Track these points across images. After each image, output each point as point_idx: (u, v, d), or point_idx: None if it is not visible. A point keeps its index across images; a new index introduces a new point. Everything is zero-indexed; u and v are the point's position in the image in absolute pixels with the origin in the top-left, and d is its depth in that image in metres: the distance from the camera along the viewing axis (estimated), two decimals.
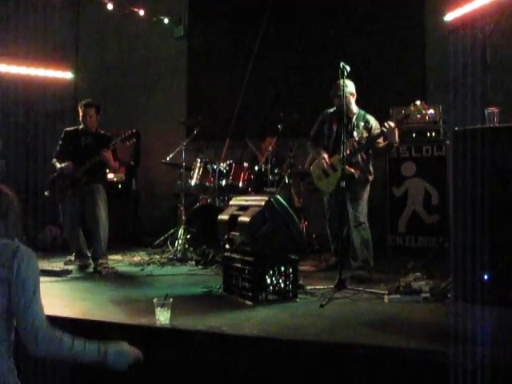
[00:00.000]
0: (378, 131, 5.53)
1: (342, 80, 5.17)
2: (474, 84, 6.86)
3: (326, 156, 5.70)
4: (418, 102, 5.33)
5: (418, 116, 5.38)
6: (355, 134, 5.59)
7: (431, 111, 6.82)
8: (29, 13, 9.53)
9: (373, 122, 5.68)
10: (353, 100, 5.69)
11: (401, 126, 5.58)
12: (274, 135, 7.01)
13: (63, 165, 6.08)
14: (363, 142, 5.54)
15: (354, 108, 5.72)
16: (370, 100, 6.45)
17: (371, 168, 5.72)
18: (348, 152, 5.34)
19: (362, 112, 5.74)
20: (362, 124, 5.64)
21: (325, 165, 5.66)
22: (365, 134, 5.59)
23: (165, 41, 9.41)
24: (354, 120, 5.66)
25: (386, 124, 5.38)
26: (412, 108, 5.34)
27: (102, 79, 9.56)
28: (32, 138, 9.40)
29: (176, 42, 9.37)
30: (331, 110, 5.86)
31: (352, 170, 5.46)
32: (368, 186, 5.68)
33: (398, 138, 5.45)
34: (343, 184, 4.97)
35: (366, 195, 5.64)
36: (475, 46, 6.94)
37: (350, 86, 5.60)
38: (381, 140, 5.56)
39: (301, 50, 8.36)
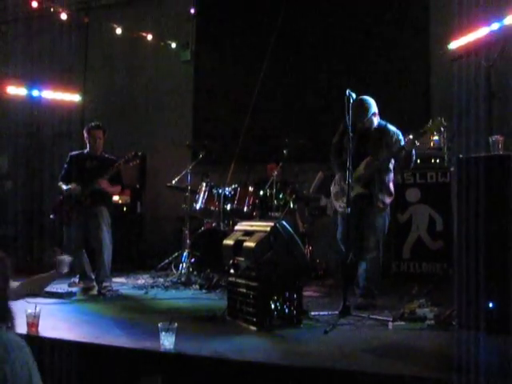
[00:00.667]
0: (398, 145, 5.18)
1: (347, 108, 4.91)
2: (479, 112, 6.91)
3: (343, 174, 5.29)
4: (438, 118, 5.00)
5: (435, 133, 5.14)
6: (374, 150, 5.25)
7: (436, 138, 6.88)
8: (38, 35, 9.69)
9: (393, 135, 5.30)
10: (375, 118, 5.35)
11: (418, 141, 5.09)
12: (279, 160, 7.03)
13: (70, 186, 6.13)
14: (381, 159, 5.22)
15: (375, 121, 5.37)
16: None
17: (391, 188, 5.37)
18: (363, 171, 5.17)
19: (383, 123, 5.39)
20: (381, 139, 5.29)
21: (342, 182, 5.33)
22: (385, 151, 5.24)
23: (172, 65, 9.52)
24: (372, 136, 5.33)
25: (407, 138, 5.07)
26: (429, 125, 5.00)
27: (109, 102, 9.66)
28: (39, 159, 9.48)
29: (183, 66, 9.48)
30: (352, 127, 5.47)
31: (362, 191, 5.21)
32: (386, 211, 5.36)
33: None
34: (348, 210, 4.84)
35: (381, 221, 5.31)
36: (479, 73, 7.00)
37: (372, 106, 5.32)
38: None
39: (306, 75, 8.44)
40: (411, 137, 5.04)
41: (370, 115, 5.26)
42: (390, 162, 5.29)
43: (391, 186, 5.38)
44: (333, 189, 5.59)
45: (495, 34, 6.69)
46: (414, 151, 5.13)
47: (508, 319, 3.92)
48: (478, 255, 4.09)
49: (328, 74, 8.18)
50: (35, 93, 9.19)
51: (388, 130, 5.32)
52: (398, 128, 5.36)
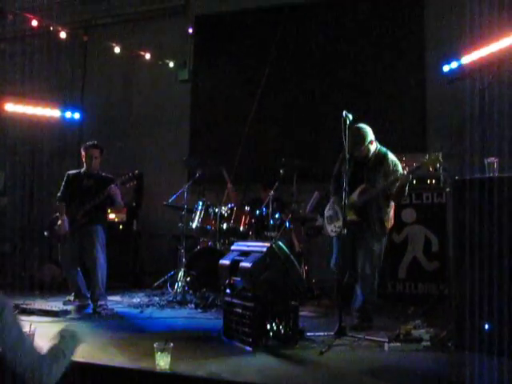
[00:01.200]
0: (394, 175, 5.13)
1: (344, 129, 4.90)
2: (474, 133, 6.96)
3: (337, 198, 5.36)
4: (436, 153, 4.99)
5: (431, 169, 4.96)
6: (371, 177, 5.23)
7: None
8: (37, 53, 9.74)
9: (391, 164, 5.24)
10: (371, 146, 5.31)
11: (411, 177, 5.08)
12: (274, 182, 7.03)
13: (60, 222, 6.11)
14: (379, 188, 5.17)
15: (373, 150, 5.34)
16: None
17: (389, 216, 5.31)
18: (356, 198, 5.16)
19: (384, 151, 5.34)
20: (380, 167, 5.24)
21: (337, 207, 5.35)
22: (383, 179, 5.21)
23: (169, 84, 9.57)
24: (371, 163, 5.29)
25: (400, 176, 5.04)
26: (426, 159, 4.95)
27: (106, 120, 9.69)
28: (36, 176, 9.49)
29: (180, 85, 9.53)
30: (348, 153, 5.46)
31: (354, 218, 5.15)
32: (383, 238, 5.29)
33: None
34: (344, 231, 4.84)
35: (378, 245, 5.22)
36: (474, 95, 7.07)
37: (369, 134, 5.29)
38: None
39: (303, 96, 8.50)
40: (405, 172, 5.02)
41: (366, 143, 5.24)
42: (383, 192, 5.19)
43: (390, 215, 5.33)
44: (326, 212, 5.58)
45: (490, 57, 6.76)
46: (407, 188, 5.11)
47: (503, 341, 3.92)
48: (474, 276, 4.11)
49: (325, 94, 8.24)
50: (33, 110, 9.21)
51: (387, 159, 5.27)
52: (394, 151, 5.36)
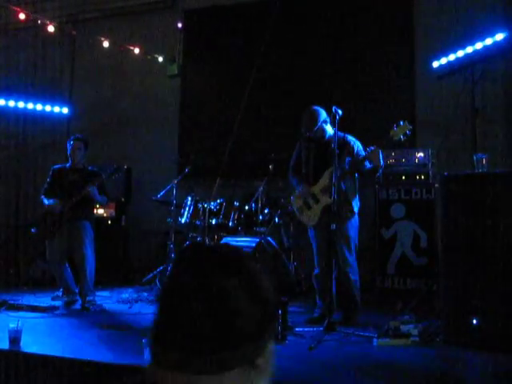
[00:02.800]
0: (361, 154, 5.23)
1: (333, 123, 5.07)
2: (463, 129, 7.00)
3: (306, 186, 5.40)
4: (401, 123, 5.03)
5: (402, 137, 5.01)
6: (336, 160, 5.10)
7: (421, 154, 6.94)
8: (25, 47, 9.68)
9: (354, 143, 5.34)
10: (326, 126, 5.37)
11: (385, 147, 5.24)
12: (265, 175, 7.03)
13: (51, 202, 6.10)
14: (347, 169, 5.22)
15: (330, 131, 5.36)
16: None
17: (356, 197, 5.38)
18: (328, 181, 5.09)
19: (341, 134, 5.32)
20: (342, 148, 5.24)
21: (306, 196, 5.37)
22: (348, 158, 5.25)
23: (159, 79, 9.52)
24: (332, 145, 5.21)
25: (367, 149, 5.11)
26: (395, 129, 5.01)
27: (95, 115, 9.63)
28: (23, 171, 9.43)
29: (170, 80, 9.48)
30: (307, 134, 5.55)
31: (330, 201, 5.01)
32: (354, 219, 5.32)
33: (384, 159, 5.15)
34: (333, 227, 4.83)
35: (352, 230, 5.28)
36: (464, 91, 7.10)
37: (322, 114, 5.35)
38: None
39: (293, 91, 8.49)
40: (373, 147, 5.04)
41: (319, 123, 5.28)
42: (354, 171, 5.26)
43: (357, 195, 5.39)
44: (294, 203, 5.55)
45: (479, 53, 6.79)
46: (381, 161, 5.08)
47: (491, 335, 3.95)
48: (462, 271, 4.13)
49: (314, 90, 8.22)
50: (21, 104, 9.15)
51: (348, 140, 5.35)
52: (383, 147, 5.27)
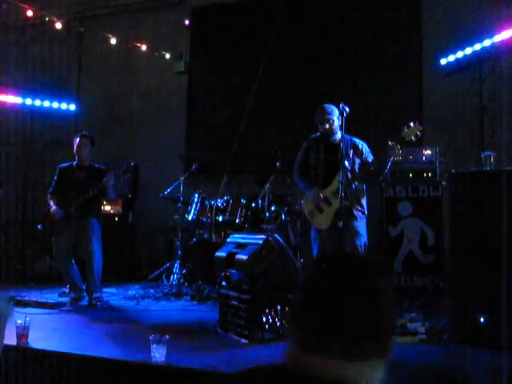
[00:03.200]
0: (369, 156, 5.39)
1: (341, 121, 5.09)
2: (471, 126, 6.97)
3: (317, 189, 5.41)
4: (411, 124, 5.06)
5: (414, 138, 5.06)
6: (346, 162, 5.19)
7: (428, 152, 6.91)
8: (32, 44, 9.69)
9: (361, 145, 5.45)
10: (336, 123, 5.45)
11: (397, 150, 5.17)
12: (272, 172, 7.01)
13: (54, 208, 6.11)
14: (357, 171, 5.31)
15: (339, 134, 5.43)
16: (366, 141, 6.51)
17: (366, 199, 5.55)
18: (340, 184, 4.98)
19: (348, 137, 5.42)
20: (351, 151, 5.37)
21: (318, 199, 5.37)
22: (357, 161, 5.37)
23: (166, 75, 9.52)
24: (341, 147, 5.17)
25: (388, 143, 5.12)
26: (406, 130, 5.04)
27: (102, 112, 9.65)
28: (31, 168, 9.45)
29: (177, 77, 9.48)
30: (314, 135, 5.68)
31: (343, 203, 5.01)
32: (364, 220, 5.49)
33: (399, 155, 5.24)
34: (340, 224, 4.83)
35: (363, 228, 5.45)
36: (471, 88, 7.07)
37: (336, 111, 5.41)
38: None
39: (300, 88, 8.47)
40: (390, 143, 5.11)
41: (332, 115, 5.37)
42: (365, 172, 5.34)
43: (365, 198, 5.52)
44: (305, 207, 5.56)
45: (487, 50, 6.76)
46: (397, 156, 5.19)
47: (499, 333, 3.93)
48: (469, 270, 4.12)
49: (322, 87, 8.20)
50: (28, 101, 9.18)
51: (356, 143, 5.45)
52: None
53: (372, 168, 5.29)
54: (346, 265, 1.33)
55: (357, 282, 1.27)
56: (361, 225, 5.40)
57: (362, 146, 5.46)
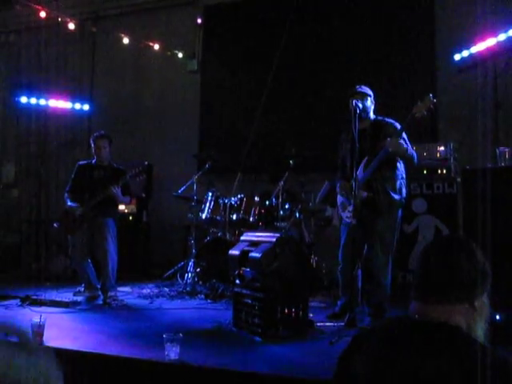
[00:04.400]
0: (402, 135, 4.90)
1: (353, 118, 4.85)
2: (485, 122, 6.90)
3: (344, 181, 5.19)
4: (427, 97, 4.77)
5: (426, 113, 4.75)
6: (372, 147, 4.93)
7: (442, 148, 6.86)
8: (46, 45, 9.76)
9: (391, 124, 5.02)
10: (371, 107, 5.18)
11: (409, 126, 4.88)
12: (286, 170, 6.99)
13: (73, 205, 6.16)
14: (381, 152, 4.87)
15: (371, 116, 5.17)
16: None
17: (398, 184, 4.97)
18: (362, 172, 4.83)
19: (381, 118, 5.16)
20: (379, 133, 4.99)
21: (345, 190, 5.10)
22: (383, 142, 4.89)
23: (178, 74, 9.54)
24: (368, 132, 5.04)
25: (387, 143, 4.82)
26: (419, 104, 4.76)
27: (115, 111, 9.69)
28: (46, 167, 9.52)
29: (189, 76, 9.50)
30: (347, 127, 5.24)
31: (367, 193, 4.85)
32: (396, 213, 4.98)
33: (408, 143, 4.90)
34: (354, 221, 4.72)
35: (389, 231, 4.94)
36: (486, 84, 7.00)
37: (370, 91, 5.20)
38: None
39: (314, 86, 8.45)
40: (389, 138, 4.82)
41: (365, 90, 5.16)
42: (383, 161, 4.89)
43: (399, 184, 5.00)
44: (338, 199, 5.35)
45: (502, 45, 6.69)
46: (411, 151, 4.89)
47: None
48: None
49: (335, 84, 8.17)
50: (43, 102, 9.24)
51: (385, 122, 5.10)
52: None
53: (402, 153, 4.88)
54: (452, 239, 1.95)
55: (461, 246, 1.81)
56: (390, 219, 4.94)
57: (392, 124, 5.05)
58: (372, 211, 4.89)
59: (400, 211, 5.07)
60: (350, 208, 4.98)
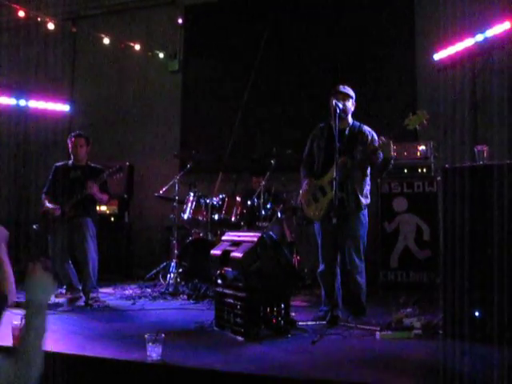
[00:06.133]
0: (373, 145, 4.96)
1: (334, 117, 4.91)
2: (464, 121, 6.98)
3: (313, 179, 5.21)
4: (418, 111, 4.82)
5: (418, 127, 4.83)
6: (348, 150, 4.99)
7: (422, 147, 6.93)
8: (25, 45, 9.68)
9: (369, 134, 5.10)
10: (351, 109, 5.22)
11: (396, 136, 4.92)
12: (266, 171, 7.00)
13: (50, 206, 6.12)
14: (359, 159, 4.97)
15: (349, 119, 5.22)
16: None
17: (366, 190, 5.13)
18: (337, 172, 4.76)
19: (357, 123, 5.21)
20: (356, 139, 5.06)
21: (314, 188, 5.15)
22: (360, 150, 4.99)
23: (160, 75, 9.53)
24: (347, 133, 5.10)
25: (380, 139, 4.90)
26: (411, 117, 4.76)
27: (96, 112, 9.65)
28: (25, 168, 9.44)
29: (171, 76, 9.49)
30: (323, 124, 5.36)
31: (339, 193, 4.82)
32: (362, 214, 5.11)
33: (394, 151, 5.01)
34: (334, 221, 4.72)
35: (360, 229, 5.08)
36: (465, 84, 7.08)
37: (353, 93, 5.22)
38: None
39: (294, 86, 8.48)
40: (384, 138, 4.87)
41: (347, 90, 5.17)
42: (365, 161, 5.01)
43: (366, 190, 5.15)
44: (303, 197, 5.30)
45: (480, 46, 6.77)
46: (392, 152, 5.01)
47: (493, 328, 3.94)
48: (464, 264, 4.12)
49: (316, 84, 8.20)
50: (22, 102, 9.16)
51: (363, 130, 5.15)
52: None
53: (374, 159, 4.97)
54: None
55: None
56: (357, 222, 5.08)
57: (370, 133, 5.13)
58: (342, 211, 4.91)
59: (366, 212, 5.20)
60: (319, 206, 5.12)
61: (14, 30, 9.75)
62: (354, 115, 5.32)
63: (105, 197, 6.33)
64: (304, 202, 5.30)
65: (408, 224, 6.88)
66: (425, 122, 4.76)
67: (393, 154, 4.99)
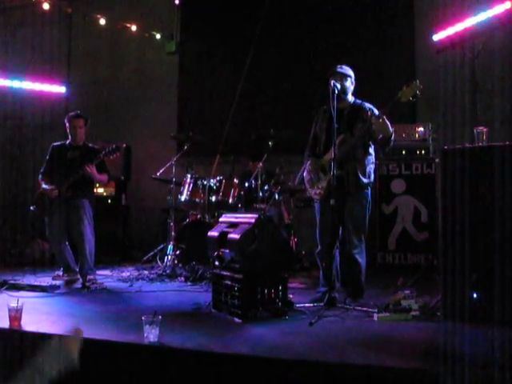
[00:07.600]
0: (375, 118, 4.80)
1: (332, 98, 4.77)
2: (463, 103, 6.93)
3: (315, 159, 5.16)
4: (414, 82, 4.69)
5: (412, 98, 4.66)
6: (348, 127, 4.92)
7: (421, 129, 6.89)
8: (20, 26, 9.58)
9: (369, 110, 4.97)
10: (351, 88, 5.14)
11: (391, 109, 4.75)
12: (261, 155, 6.94)
13: (47, 188, 6.09)
14: (357, 135, 4.88)
15: (350, 97, 5.15)
16: None
17: (368, 169, 5.00)
18: (337, 150, 4.68)
19: (359, 101, 5.14)
20: (357, 116, 4.98)
21: (316, 168, 5.10)
22: (360, 126, 4.90)
23: (156, 56, 9.46)
24: (347, 112, 5.04)
25: (372, 120, 4.75)
26: (404, 89, 4.68)
27: (93, 93, 9.57)
28: (22, 151, 9.40)
29: (168, 58, 9.42)
30: (325, 106, 5.22)
31: (340, 171, 4.79)
32: (364, 193, 5.00)
33: (392, 125, 4.81)
34: (332, 202, 4.64)
35: (361, 210, 4.98)
36: (464, 65, 7.02)
37: (351, 72, 5.14)
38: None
39: (293, 67, 8.42)
40: (375, 117, 4.76)
41: (345, 70, 5.11)
42: (363, 138, 4.93)
43: (369, 168, 5.03)
44: (305, 177, 5.25)
45: (479, 26, 6.70)
46: (390, 128, 4.83)
47: (492, 309, 3.94)
48: (463, 246, 4.11)
49: (314, 65, 8.14)
50: (17, 84, 9.08)
51: (364, 106, 5.07)
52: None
53: (375, 136, 4.88)
54: None
55: None
56: (358, 199, 4.98)
57: (370, 109, 5.00)
58: (341, 191, 4.85)
59: (369, 192, 5.09)
60: (320, 185, 5.04)
61: (9, 10, 9.63)
62: (355, 94, 5.25)
63: (104, 177, 6.30)
64: (307, 182, 5.24)
65: (406, 206, 6.88)
66: (418, 92, 4.66)
67: (391, 129, 4.82)
